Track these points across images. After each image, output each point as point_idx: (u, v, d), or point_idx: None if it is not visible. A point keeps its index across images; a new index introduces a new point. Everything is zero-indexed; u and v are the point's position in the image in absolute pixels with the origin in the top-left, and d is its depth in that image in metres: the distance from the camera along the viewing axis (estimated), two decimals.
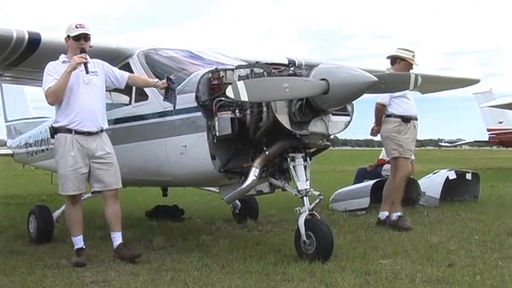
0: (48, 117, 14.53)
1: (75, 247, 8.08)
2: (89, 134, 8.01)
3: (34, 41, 8.99)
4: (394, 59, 10.80)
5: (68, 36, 8.10)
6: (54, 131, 8.15)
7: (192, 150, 8.24)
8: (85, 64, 7.89)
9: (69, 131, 7.97)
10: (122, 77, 8.45)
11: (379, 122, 10.82)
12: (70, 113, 7.99)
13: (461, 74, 17.76)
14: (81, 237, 8.16)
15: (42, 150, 12.98)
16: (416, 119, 10.81)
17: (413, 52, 10.75)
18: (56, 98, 7.99)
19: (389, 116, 10.68)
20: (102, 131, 8.16)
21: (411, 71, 10.39)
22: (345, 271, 7.02)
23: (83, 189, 8.20)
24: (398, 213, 10.56)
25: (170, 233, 10.04)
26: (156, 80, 8.46)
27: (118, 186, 8.26)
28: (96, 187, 8.22)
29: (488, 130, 37.25)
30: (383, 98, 10.58)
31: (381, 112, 10.73)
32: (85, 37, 8.05)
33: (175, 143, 8.45)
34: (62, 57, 8.16)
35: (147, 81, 8.65)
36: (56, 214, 9.71)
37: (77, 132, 7.96)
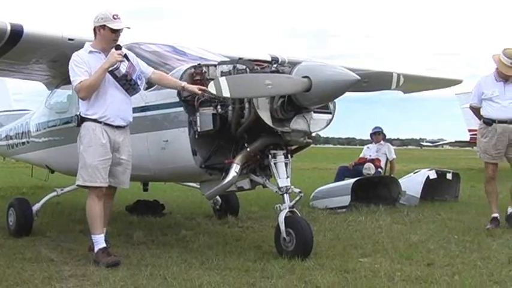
0: (29, 109, 14.48)
1: (98, 247, 7.55)
2: (118, 127, 7.78)
3: (16, 33, 8.90)
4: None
5: (103, 26, 7.67)
6: (82, 119, 7.77)
7: (173, 146, 8.22)
8: (121, 62, 7.56)
9: (99, 122, 7.67)
10: (146, 69, 8.08)
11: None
12: (100, 106, 7.67)
13: (445, 74, 17.75)
14: (103, 235, 7.68)
15: (23, 143, 12.89)
16: (504, 122, 10.30)
17: None
18: (90, 93, 7.61)
19: None
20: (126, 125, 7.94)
21: None
22: (324, 269, 7.04)
23: (107, 182, 7.75)
24: (494, 215, 10.45)
25: (150, 228, 10.01)
26: (184, 82, 8.00)
27: (128, 186, 8.17)
28: (109, 181, 7.80)
29: (470, 131, 37.30)
30: (471, 99, 10.72)
31: (476, 113, 10.76)
32: (120, 32, 7.72)
33: (156, 138, 8.42)
34: (88, 47, 7.82)
35: (175, 83, 8.08)
36: (35, 207, 9.59)
37: (106, 124, 7.68)
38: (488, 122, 10.40)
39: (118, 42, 7.70)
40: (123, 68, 7.58)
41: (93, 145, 7.62)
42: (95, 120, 7.66)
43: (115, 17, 7.65)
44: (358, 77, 7.34)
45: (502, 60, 10.20)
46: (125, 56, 7.64)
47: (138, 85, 7.77)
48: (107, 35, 7.69)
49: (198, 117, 7.81)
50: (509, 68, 10.19)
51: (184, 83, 7.95)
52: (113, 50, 7.56)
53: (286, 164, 7.94)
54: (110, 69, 7.50)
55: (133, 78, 7.68)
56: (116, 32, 7.67)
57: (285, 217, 7.62)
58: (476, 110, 10.71)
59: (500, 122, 10.29)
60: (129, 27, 7.74)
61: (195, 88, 7.83)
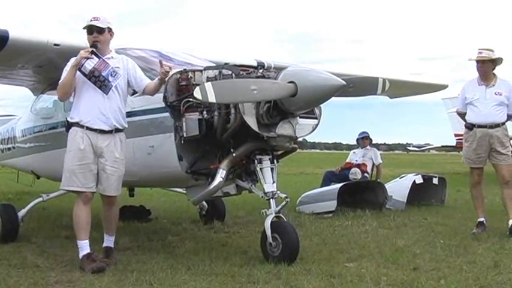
0: (15, 115, 14.43)
1: (83, 253, 7.54)
2: (101, 132, 7.59)
3: (2, 38, 8.87)
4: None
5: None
6: (69, 125, 7.73)
7: (159, 151, 8.22)
8: (87, 58, 7.46)
9: (82, 126, 7.57)
10: (141, 81, 7.95)
11: None
12: (80, 109, 7.60)
13: (431, 79, 17.80)
14: (88, 241, 7.62)
15: (9, 149, 12.86)
16: (484, 127, 10.25)
17: (485, 52, 10.24)
18: (63, 93, 7.64)
19: None
20: (118, 130, 7.75)
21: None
22: (310, 274, 7.05)
23: (91, 187, 7.60)
24: (480, 219, 10.39)
25: (136, 234, 10.00)
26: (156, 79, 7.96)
27: (115, 193, 7.83)
28: (98, 188, 7.71)
29: (456, 135, 37.38)
30: (458, 105, 10.75)
31: (463, 118, 10.67)
32: (98, 30, 7.63)
33: (142, 143, 8.41)
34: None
35: (155, 84, 7.95)
36: (21, 213, 9.54)
37: (89, 128, 7.55)
38: (469, 127, 10.41)
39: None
40: (89, 64, 7.50)
41: (72, 150, 7.59)
42: (77, 125, 7.60)
43: (92, 19, 7.65)
44: (344, 82, 7.35)
45: (474, 58, 10.25)
46: (93, 52, 7.52)
47: (109, 81, 7.56)
48: (87, 38, 7.71)
49: (184, 123, 7.79)
50: (478, 55, 10.23)
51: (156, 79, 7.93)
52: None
53: (272, 169, 7.95)
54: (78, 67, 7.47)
55: (103, 74, 7.53)
56: (92, 33, 7.65)
57: (271, 222, 7.62)
58: (462, 115, 10.68)
59: (480, 126, 10.27)
60: (97, 26, 7.63)
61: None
